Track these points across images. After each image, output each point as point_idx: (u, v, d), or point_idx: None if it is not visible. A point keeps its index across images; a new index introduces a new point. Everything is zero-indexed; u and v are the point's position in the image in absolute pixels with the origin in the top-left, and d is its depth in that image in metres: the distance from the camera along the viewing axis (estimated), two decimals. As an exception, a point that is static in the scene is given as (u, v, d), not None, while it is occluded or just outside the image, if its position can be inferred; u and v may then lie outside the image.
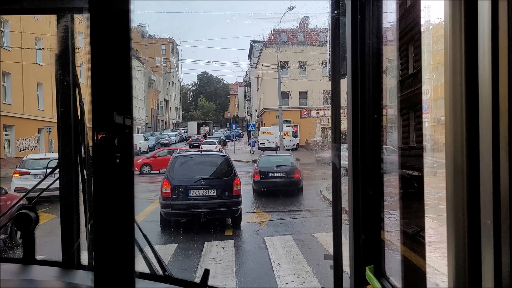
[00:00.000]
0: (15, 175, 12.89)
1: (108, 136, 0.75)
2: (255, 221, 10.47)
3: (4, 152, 23.47)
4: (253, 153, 29.32)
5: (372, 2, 1.53)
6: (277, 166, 14.89)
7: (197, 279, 1.69)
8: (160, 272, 1.73)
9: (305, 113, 40.63)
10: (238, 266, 6.96)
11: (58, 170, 1.95)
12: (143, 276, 1.71)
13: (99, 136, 0.75)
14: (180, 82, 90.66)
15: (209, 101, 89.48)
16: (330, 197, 11.56)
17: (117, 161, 0.76)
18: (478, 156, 0.76)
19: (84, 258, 1.89)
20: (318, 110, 37.29)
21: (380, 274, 1.51)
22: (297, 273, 6.43)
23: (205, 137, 47.79)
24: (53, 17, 1.87)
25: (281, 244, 8.10)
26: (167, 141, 45.04)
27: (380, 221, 1.56)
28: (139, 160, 23.75)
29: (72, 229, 1.90)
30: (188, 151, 13.96)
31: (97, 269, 0.77)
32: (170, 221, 9.67)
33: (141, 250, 1.66)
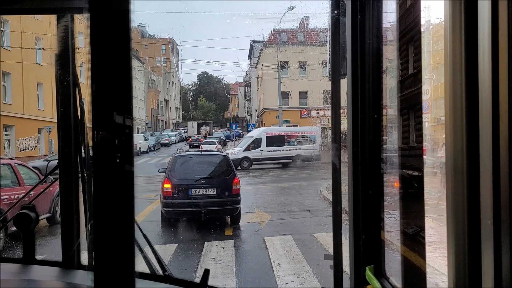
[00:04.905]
0: None
1: (108, 136, 0.75)
2: (255, 221, 10.46)
3: (4, 152, 23.45)
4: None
5: (372, 2, 1.53)
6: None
7: (197, 279, 1.69)
8: (160, 272, 1.73)
9: (305, 113, 40.60)
10: (238, 266, 6.95)
11: (58, 170, 1.95)
12: (143, 276, 1.71)
13: (99, 135, 0.75)
14: (180, 82, 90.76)
15: (209, 101, 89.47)
16: (330, 197, 11.55)
17: (117, 161, 0.76)
18: (478, 156, 0.76)
19: (84, 258, 1.89)
20: (318, 110, 37.27)
21: (380, 274, 1.51)
22: (297, 273, 6.43)
23: (205, 137, 47.80)
24: (53, 17, 1.87)
25: (281, 244, 8.09)
26: (167, 141, 45.06)
27: (380, 221, 1.56)
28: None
29: (72, 229, 1.90)
30: (188, 151, 13.96)
31: (97, 269, 0.77)
32: (171, 220, 9.73)
33: (141, 250, 1.66)
